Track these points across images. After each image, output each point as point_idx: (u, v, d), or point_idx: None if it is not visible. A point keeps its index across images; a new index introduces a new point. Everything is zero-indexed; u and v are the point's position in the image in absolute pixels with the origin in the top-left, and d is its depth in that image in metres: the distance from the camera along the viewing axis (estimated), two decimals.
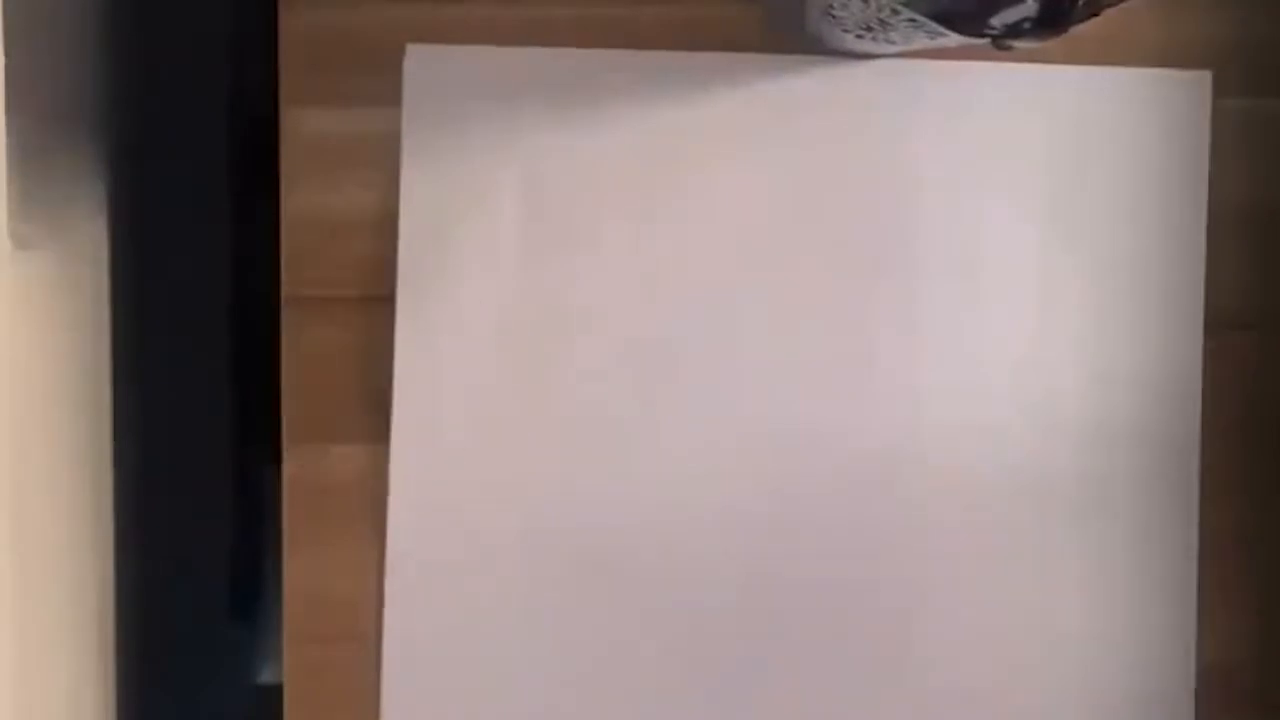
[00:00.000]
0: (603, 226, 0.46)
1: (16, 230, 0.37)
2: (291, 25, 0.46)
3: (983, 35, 0.38)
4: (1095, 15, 0.39)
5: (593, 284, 0.46)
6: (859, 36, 0.44)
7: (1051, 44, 0.38)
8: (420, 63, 0.46)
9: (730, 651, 0.46)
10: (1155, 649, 0.47)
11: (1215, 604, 0.47)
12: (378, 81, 0.46)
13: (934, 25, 0.38)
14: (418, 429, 0.46)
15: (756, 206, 0.46)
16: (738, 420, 0.46)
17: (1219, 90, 0.47)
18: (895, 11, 0.40)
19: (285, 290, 0.46)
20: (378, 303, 0.46)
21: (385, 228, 0.46)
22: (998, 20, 0.38)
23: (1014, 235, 0.47)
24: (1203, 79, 0.47)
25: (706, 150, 0.46)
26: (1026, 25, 0.38)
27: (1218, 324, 0.47)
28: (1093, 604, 0.47)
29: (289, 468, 0.47)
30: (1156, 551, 0.47)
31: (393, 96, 0.46)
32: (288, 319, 0.46)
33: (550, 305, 0.46)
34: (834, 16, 0.43)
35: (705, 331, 0.46)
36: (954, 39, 0.39)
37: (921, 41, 0.42)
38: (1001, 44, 0.39)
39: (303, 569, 0.47)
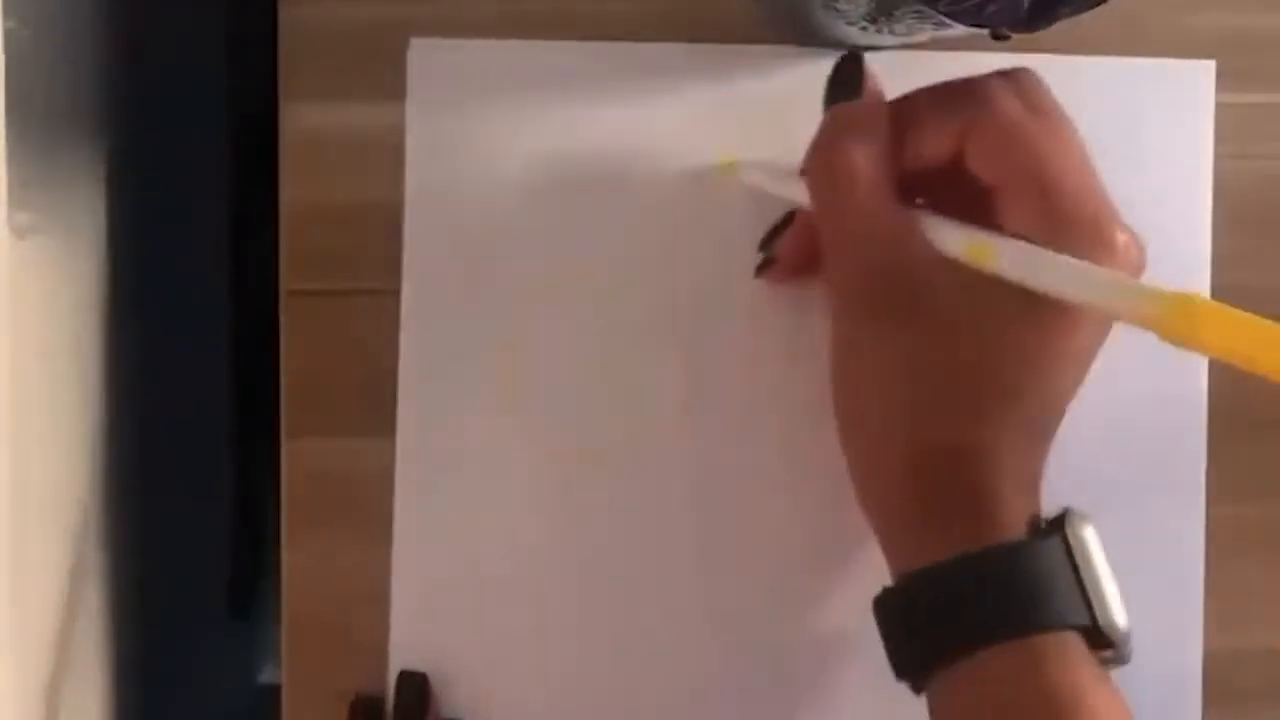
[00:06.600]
0: (606, 219, 0.46)
1: (15, 219, 0.37)
2: (291, 18, 0.46)
3: (980, 25, 0.38)
4: (1098, 5, 0.39)
5: (598, 275, 0.46)
6: (862, 29, 0.44)
7: (1055, 34, 0.38)
8: (424, 57, 0.46)
9: (741, 656, 0.46)
10: (1163, 644, 0.47)
11: (1220, 597, 0.47)
12: (378, 75, 0.46)
13: (940, 16, 0.38)
14: (423, 424, 0.46)
15: (757, 199, 0.46)
16: (741, 404, 0.46)
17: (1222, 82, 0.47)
18: (902, 2, 0.39)
19: (286, 283, 0.46)
20: (377, 296, 0.46)
21: (385, 221, 0.46)
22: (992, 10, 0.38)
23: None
24: (1206, 68, 0.47)
25: (710, 143, 0.46)
26: (1020, 16, 0.38)
27: None
28: None
29: (289, 462, 0.46)
30: (1163, 549, 0.47)
31: (393, 90, 0.46)
32: (288, 311, 0.46)
33: (555, 297, 0.46)
34: (836, 9, 0.43)
35: (708, 316, 0.46)
36: (959, 29, 0.39)
37: (926, 33, 0.42)
38: (999, 34, 0.39)
39: (302, 565, 0.46)
